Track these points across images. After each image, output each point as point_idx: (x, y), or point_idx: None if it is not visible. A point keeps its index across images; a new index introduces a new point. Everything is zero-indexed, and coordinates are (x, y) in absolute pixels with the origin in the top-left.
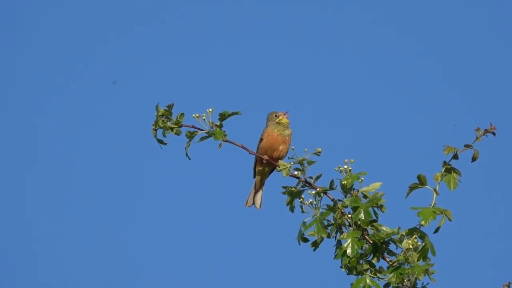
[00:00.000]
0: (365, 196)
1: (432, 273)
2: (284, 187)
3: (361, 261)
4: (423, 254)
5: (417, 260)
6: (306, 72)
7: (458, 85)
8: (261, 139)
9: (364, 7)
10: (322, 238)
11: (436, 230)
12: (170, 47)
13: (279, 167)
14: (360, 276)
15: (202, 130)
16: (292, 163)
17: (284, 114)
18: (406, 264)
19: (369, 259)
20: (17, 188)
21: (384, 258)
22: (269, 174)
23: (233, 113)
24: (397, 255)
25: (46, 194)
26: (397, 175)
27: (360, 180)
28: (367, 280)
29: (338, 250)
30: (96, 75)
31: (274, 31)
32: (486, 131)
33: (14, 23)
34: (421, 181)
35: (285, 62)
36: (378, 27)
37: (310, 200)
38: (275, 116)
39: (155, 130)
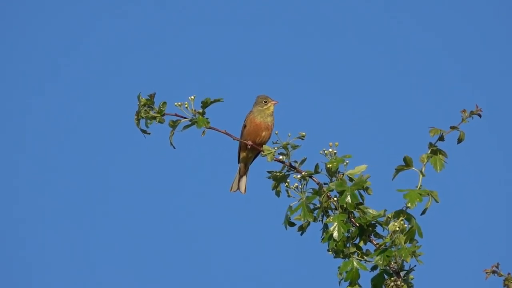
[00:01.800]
0: (350, 179)
1: (419, 255)
2: (269, 172)
3: (348, 244)
4: (410, 236)
5: (404, 242)
6: (298, 52)
7: (453, 67)
8: (244, 126)
9: None
10: (309, 222)
11: (423, 212)
12: (162, 32)
13: (263, 152)
14: (347, 259)
15: (185, 118)
16: (276, 148)
17: (274, 103)
18: (393, 246)
19: (356, 242)
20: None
21: (371, 241)
22: (253, 160)
23: (215, 100)
24: (383, 238)
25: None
26: (382, 157)
27: (345, 163)
28: (354, 263)
29: (324, 233)
30: (91, 60)
31: (276, 19)
32: (472, 112)
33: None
34: (407, 163)
35: (282, 47)
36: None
37: (296, 184)
38: (264, 102)
39: (138, 120)
